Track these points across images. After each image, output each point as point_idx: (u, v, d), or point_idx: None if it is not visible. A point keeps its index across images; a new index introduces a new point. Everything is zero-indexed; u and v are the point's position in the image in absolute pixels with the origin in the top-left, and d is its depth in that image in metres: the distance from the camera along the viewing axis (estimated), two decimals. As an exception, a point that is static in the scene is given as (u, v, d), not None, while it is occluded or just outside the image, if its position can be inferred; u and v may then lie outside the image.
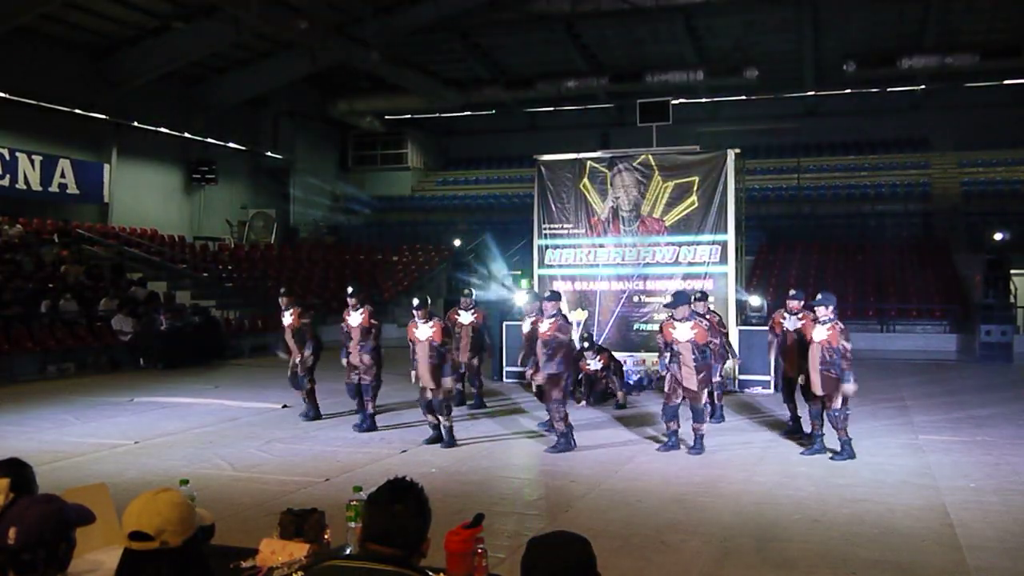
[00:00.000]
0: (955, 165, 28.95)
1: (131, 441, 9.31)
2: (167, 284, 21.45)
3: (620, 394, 11.64)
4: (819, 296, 8.31)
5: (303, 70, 26.58)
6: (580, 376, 11.47)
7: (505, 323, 14.20)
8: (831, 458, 8.19)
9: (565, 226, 14.13)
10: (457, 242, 27.00)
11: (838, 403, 8.11)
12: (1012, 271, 20.04)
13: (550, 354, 8.68)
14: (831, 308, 8.20)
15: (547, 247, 14.25)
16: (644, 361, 13.24)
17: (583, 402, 11.60)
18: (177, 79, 25.51)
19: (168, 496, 2.27)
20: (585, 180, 14.01)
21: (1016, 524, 6.15)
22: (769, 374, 12.56)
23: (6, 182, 21.04)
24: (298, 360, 10.74)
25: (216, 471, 7.86)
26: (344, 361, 10.15)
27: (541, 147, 16.81)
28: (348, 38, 24.34)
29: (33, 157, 21.74)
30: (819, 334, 8.15)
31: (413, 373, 9.10)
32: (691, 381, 8.56)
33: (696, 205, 13.42)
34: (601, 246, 13.97)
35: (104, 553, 3.18)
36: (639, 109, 15.56)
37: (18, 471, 2.92)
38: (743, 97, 29.50)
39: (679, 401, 8.67)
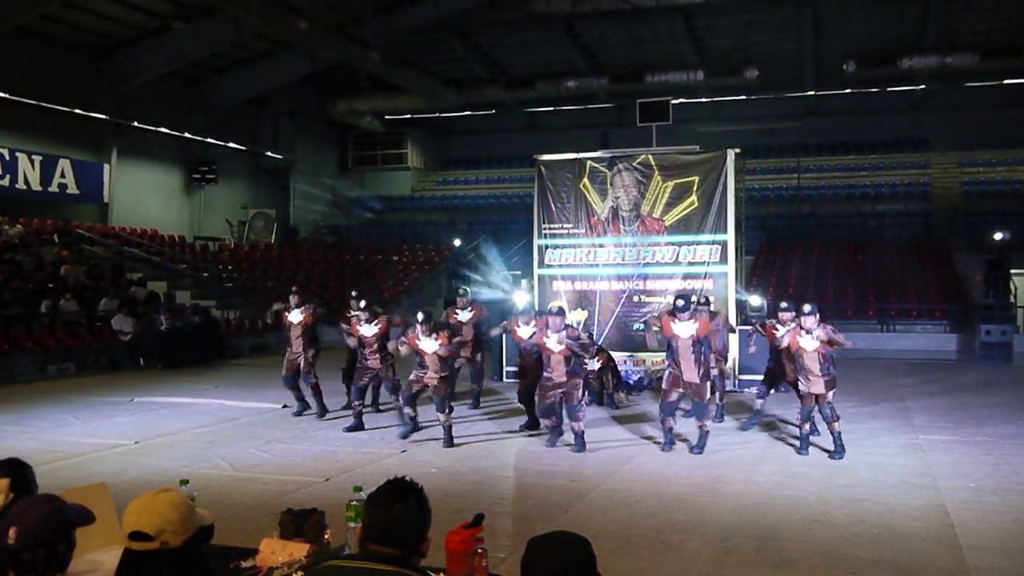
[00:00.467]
0: (955, 165, 28.94)
1: (131, 441, 9.31)
2: (167, 284, 21.47)
3: (621, 395, 11.63)
4: (807, 307, 8.62)
5: (303, 70, 26.60)
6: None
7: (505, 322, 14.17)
8: (830, 457, 8.28)
9: (565, 226, 14.13)
10: (457, 242, 26.99)
11: (830, 395, 8.51)
12: (1012, 271, 20.06)
13: (569, 360, 8.76)
14: (816, 316, 8.61)
15: (547, 247, 14.25)
16: (643, 361, 13.24)
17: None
18: (177, 79, 25.51)
19: (168, 496, 2.27)
20: (585, 180, 14.00)
21: (1016, 524, 6.15)
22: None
23: (6, 182, 21.05)
24: (302, 360, 10.85)
25: (216, 471, 7.86)
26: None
27: (541, 147, 16.81)
28: (348, 38, 24.34)
29: (33, 157, 21.74)
30: (809, 344, 8.47)
31: (416, 375, 9.17)
32: (692, 375, 8.59)
33: (696, 205, 13.42)
34: (601, 246, 13.96)
35: (104, 553, 3.18)
36: (639, 109, 15.56)
37: (18, 471, 2.92)
38: (743, 97, 29.50)
39: (676, 398, 8.71)
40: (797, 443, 8.87)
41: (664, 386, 8.82)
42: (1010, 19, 23.78)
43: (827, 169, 29.93)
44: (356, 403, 10.05)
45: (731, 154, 13.44)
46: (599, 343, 12.51)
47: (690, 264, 13.42)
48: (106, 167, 24.01)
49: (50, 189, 22.24)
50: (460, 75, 29.12)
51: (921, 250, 24.69)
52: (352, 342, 10.45)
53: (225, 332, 19.69)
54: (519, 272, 19.50)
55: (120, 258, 22.06)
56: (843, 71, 25.02)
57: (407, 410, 9.24)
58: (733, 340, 12.71)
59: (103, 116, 23.53)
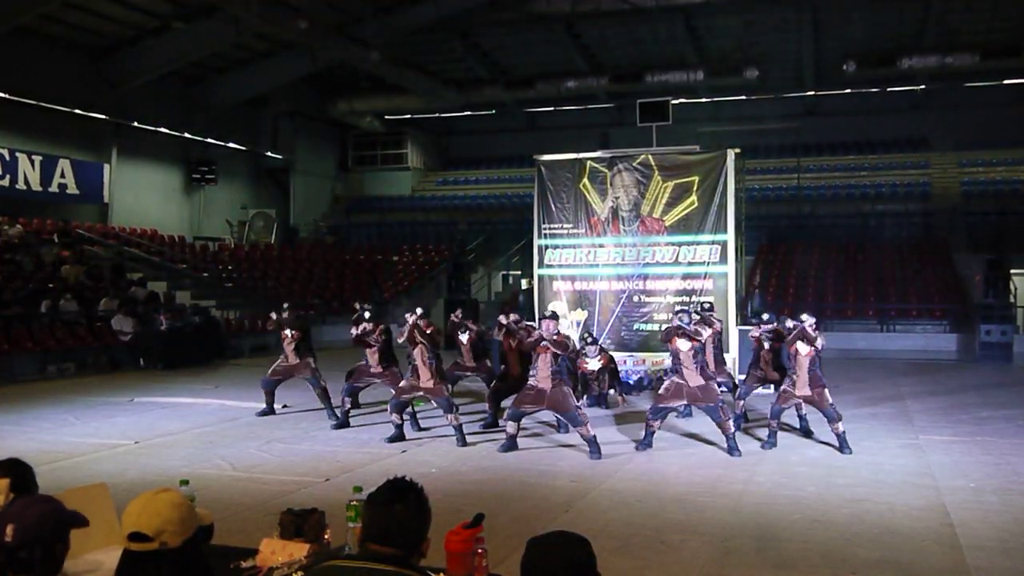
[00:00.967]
0: (955, 165, 28.93)
1: (131, 441, 9.30)
2: (167, 284, 21.46)
3: (615, 395, 11.62)
4: (804, 316, 9.03)
5: (303, 70, 26.58)
6: (578, 375, 11.45)
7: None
8: (840, 451, 8.48)
9: (565, 226, 14.12)
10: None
11: (829, 398, 8.68)
12: (1012, 271, 20.06)
13: (556, 357, 8.77)
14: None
15: (547, 247, 14.24)
16: (644, 361, 13.24)
17: (580, 401, 11.56)
18: (177, 79, 25.51)
19: (168, 496, 2.27)
20: (585, 180, 13.99)
21: (1016, 524, 6.15)
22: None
23: (6, 182, 21.04)
24: (303, 369, 11.00)
25: (216, 471, 7.86)
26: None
27: (541, 147, 16.80)
28: (348, 38, 24.33)
29: (33, 157, 21.73)
30: (804, 348, 8.73)
31: (407, 382, 9.27)
32: (696, 379, 8.75)
33: (696, 205, 13.41)
34: (601, 246, 13.96)
35: (104, 553, 3.18)
36: (639, 109, 15.56)
37: (18, 471, 2.92)
38: (743, 97, 29.49)
39: (675, 405, 8.98)
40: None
41: (661, 391, 8.94)
42: (1010, 19, 23.76)
43: (827, 169, 29.91)
44: (346, 400, 10.28)
45: (731, 154, 13.42)
46: (599, 343, 12.49)
47: (690, 264, 13.41)
48: (106, 167, 24.00)
49: (50, 189, 22.23)
50: (460, 75, 29.11)
51: (921, 250, 24.69)
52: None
53: (225, 332, 19.67)
54: (519, 272, 19.51)
55: (120, 258, 22.06)
56: (843, 71, 25.02)
57: (394, 417, 9.27)
58: (733, 340, 12.73)
59: (103, 116, 23.52)
